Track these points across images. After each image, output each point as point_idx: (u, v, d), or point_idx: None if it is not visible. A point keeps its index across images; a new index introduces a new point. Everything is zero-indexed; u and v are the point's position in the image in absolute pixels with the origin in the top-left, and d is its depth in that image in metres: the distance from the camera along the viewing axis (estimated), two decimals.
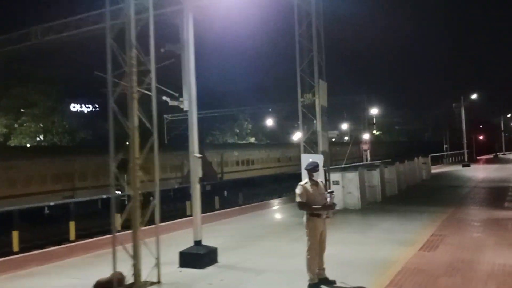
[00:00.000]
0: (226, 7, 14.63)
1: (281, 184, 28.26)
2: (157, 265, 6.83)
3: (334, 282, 6.55)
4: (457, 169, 35.27)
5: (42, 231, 17.43)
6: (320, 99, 12.42)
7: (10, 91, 41.16)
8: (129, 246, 6.62)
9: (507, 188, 20.46)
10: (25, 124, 42.06)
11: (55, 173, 24.53)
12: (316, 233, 6.45)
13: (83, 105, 51.04)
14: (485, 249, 8.71)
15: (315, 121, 12.66)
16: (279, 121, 63.54)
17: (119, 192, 26.82)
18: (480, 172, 31.57)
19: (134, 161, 6.62)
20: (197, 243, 7.80)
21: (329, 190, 6.67)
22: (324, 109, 12.78)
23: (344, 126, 77.69)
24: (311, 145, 13.22)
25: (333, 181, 14.18)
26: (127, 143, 6.79)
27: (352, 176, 14.43)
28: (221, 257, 8.07)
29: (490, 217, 12.55)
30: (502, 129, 72.86)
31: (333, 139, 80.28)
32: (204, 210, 18.50)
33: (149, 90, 7.19)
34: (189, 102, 8.10)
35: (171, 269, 7.54)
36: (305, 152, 12.72)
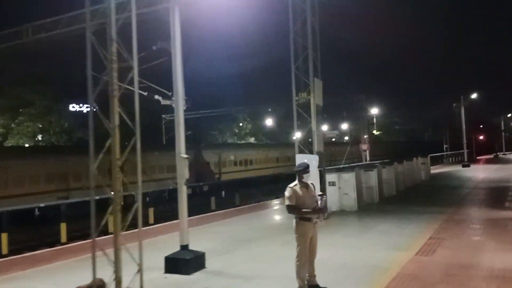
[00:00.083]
0: (218, 5, 14.35)
1: (279, 184, 27.96)
2: (140, 271, 6.49)
3: None
4: (456, 169, 34.96)
5: (36, 233, 17.15)
6: (315, 98, 12.10)
7: (7, 90, 40.91)
8: (111, 251, 6.30)
9: (507, 188, 20.15)
10: (23, 124, 41.80)
11: (49, 173, 24.21)
12: (306, 238, 6.12)
13: (82, 105, 50.76)
14: (484, 253, 8.40)
15: (309, 120, 12.33)
16: (278, 121, 63.26)
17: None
18: (480, 172, 31.24)
19: (114, 162, 6.27)
20: (184, 247, 7.49)
21: (319, 193, 6.34)
22: (319, 108, 12.45)
23: (344, 126, 77.56)
24: (306, 145, 12.90)
25: (329, 182, 13.88)
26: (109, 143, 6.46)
27: (349, 177, 14.11)
28: (209, 262, 7.76)
29: (490, 219, 12.23)
30: (502, 129, 72.50)
31: (333, 139, 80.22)
32: (200, 211, 18.42)
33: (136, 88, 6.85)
34: (175, 100, 7.77)
35: (156, 275, 7.23)
36: (300, 152, 12.39)
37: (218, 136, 61.58)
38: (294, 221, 6.19)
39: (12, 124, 41.77)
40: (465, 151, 42.13)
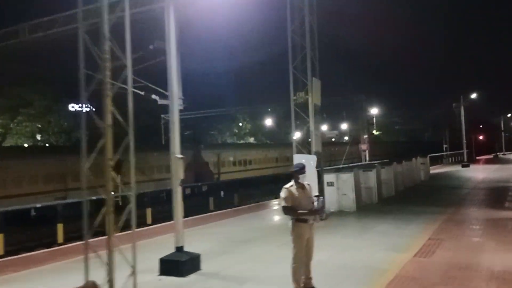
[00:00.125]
0: (216, 4, 14.25)
1: (278, 184, 27.69)
2: (133, 273, 6.38)
3: None
4: (456, 169, 34.85)
5: (33, 233, 17.05)
6: (314, 98, 11.98)
7: (6, 90, 40.80)
8: (105, 253, 6.19)
9: (507, 188, 20.05)
10: (22, 124, 41.68)
11: (47, 173, 24.09)
12: (302, 240, 6.01)
13: (82, 105, 50.34)
14: (484, 254, 8.28)
15: (308, 120, 12.21)
16: (278, 120, 63.17)
17: (112, 193, 26.53)
18: (479, 172, 31.12)
19: (107, 163, 6.16)
20: (179, 249, 7.37)
21: (316, 194, 6.22)
22: (317, 108, 12.33)
23: (344, 126, 77.49)
24: (304, 145, 12.78)
25: (327, 183, 13.76)
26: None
27: (347, 177, 13.99)
28: (205, 264, 7.64)
29: (489, 219, 12.12)
30: (502, 129, 72.38)
31: (333, 139, 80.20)
32: (198, 212, 18.31)
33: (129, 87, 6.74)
34: (170, 99, 7.66)
35: (150, 277, 7.12)
36: (298, 152, 12.28)
37: (217, 136, 61.47)
38: (290, 222, 6.08)
39: (11, 124, 41.65)
40: (465, 151, 42.01)
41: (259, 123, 64.88)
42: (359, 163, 35.31)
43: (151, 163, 28.34)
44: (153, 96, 10.16)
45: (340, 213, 13.44)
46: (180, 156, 7.53)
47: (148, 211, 19.09)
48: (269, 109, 60.06)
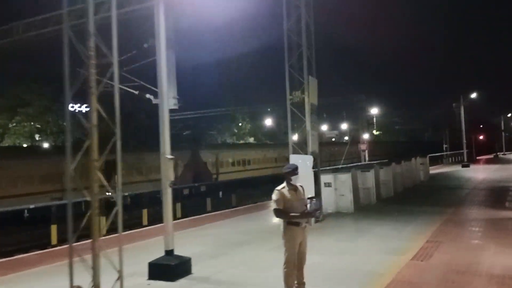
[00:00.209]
0: (211, 1, 14.00)
1: (277, 184, 27.46)
2: (120, 278, 6.16)
3: None
4: (456, 169, 34.62)
5: (29, 235, 16.86)
6: (310, 97, 11.76)
7: (4, 90, 40.61)
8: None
9: (507, 188, 19.84)
10: (20, 124, 41.46)
11: (43, 173, 23.88)
12: (294, 244, 5.79)
13: (81, 105, 50.28)
14: (484, 257, 8.06)
15: (305, 120, 11.99)
16: (277, 120, 62.93)
17: (109, 194, 26.32)
18: (479, 172, 30.91)
19: (92, 163, 5.94)
20: (169, 252, 7.15)
21: (309, 196, 5.99)
22: (314, 107, 12.12)
23: (344, 126, 77.26)
24: (301, 145, 12.56)
25: (325, 183, 13.56)
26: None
27: (345, 178, 13.77)
28: (196, 267, 7.42)
29: (489, 221, 11.91)
30: (502, 129, 72.13)
31: (333, 139, 79.97)
32: (196, 212, 18.11)
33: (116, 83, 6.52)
34: (159, 98, 7.44)
35: (139, 282, 6.91)
36: (294, 153, 12.06)
37: (217, 136, 61.24)
38: (282, 225, 5.86)
39: (10, 124, 41.44)
40: (465, 151, 41.79)
41: (258, 123, 64.65)
42: (359, 163, 35.11)
43: (149, 163, 28.13)
44: (147, 96, 9.96)
45: (338, 215, 13.22)
46: (170, 156, 7.32)
47: (145, 212, 18.90)
48: (269, 109, 59.85)
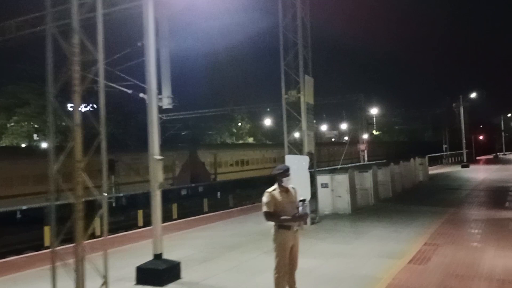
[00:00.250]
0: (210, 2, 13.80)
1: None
2: (105, 283, 5.93)
3: None
4: (456, 170, 34.38)
5: (24, 236, 16.65)
6: (306, 96, 11.52)
7: (2, 89, 40.36)
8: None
9: (507, 188, 19.62)
10: (18, 124, 41.20)
11: (38, 174, 23.65)
12: (285, 248, 5.55)
13: (82, 105, 49.80)
14: (483, 261, 7.82)
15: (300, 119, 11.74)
16: (277, 120, 62.66)
17: (106, 194, 26.08)
18: (479, 173, 30.68)
19: (76, 165, 5.71)
20: (157, 256, 6.92)
21: (301, 199, 5.75)
22: (310, 107, 11.88)
23: (344, 126, 77.06)
24: (297, 145, 12.33)
25: (321, 184, 13.34)
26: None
27: (342, 179, 13.54)
28: (186, 272, 7.19)
29: (489, 223, 11.68)
30: (502, 129, 71.89)
31: (333, 139, 79.69)
32: (193, 213, 17.87)
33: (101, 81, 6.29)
34: (148, 96, 7.21)
35: (126, 286, 6.68)
36: (290, 153, 11.83)
37: (216, 136, 60.97)
38: (272, 229, 5.62)
39: (8, 124, 41.20)
40: (464, 151, 41.56)
41: (258, 123, 64.40)
42: (357, 164, 34.90)
43: (146, 163, 27.84)
44: (141, 95, 9.73)
45: (334, 216, 12.99)
46: (159, 157, 7.08)
47: (140, 213, 18.67)
48: (268, 109, 59.56)
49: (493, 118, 77.95)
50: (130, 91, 14.35)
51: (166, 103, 12.89)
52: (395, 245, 9.20)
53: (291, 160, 11.17)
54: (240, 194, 28.16)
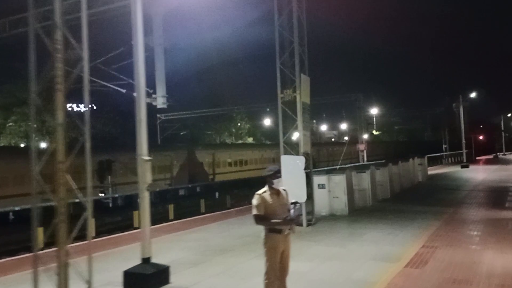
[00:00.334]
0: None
1: None
2: None
3: None
4: (455, 170, 34.15)
5: (17, 237, 16.45)
6: (302, 96, 11.31)
7: (0, 88, 40.17)
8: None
9: (507, 189, 19.41)
10: (17, 123, 40.98)
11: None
12: (275, 253, 5.34)
13: (80, 105, 49.79)
14: (482, 264, 7.60)
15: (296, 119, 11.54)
16: (276, 120, 62.36)
17: (103, 195, 25.81)
18: (479, 173, 30.47)
19: (58, 166, 5.50)
20: (145, 260, 6.71)
21: (292, 201, 5.53)
22: (306, 106, 11.67)
23: (343, 126, 76.87)
24: (293, 145, 12.13)
25: (318, 185, 13.14)
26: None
27: (339, 179, 13.33)
28: (175, 276, 6.97)
29: (488, 224, 11.47)
30: (502, 129, 71.64)
31: (333, 139, 79.45)
32: (190, 214, 17.66)
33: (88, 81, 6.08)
34: (137, 95, 7.00)
35: None
36: (285, 153, 11.63)
37: (215, 136, 60.76)
38: (262, 233, 5.41)
39: (7, 124, 40.98)
40: (464, 151, 41.34)
41: (257, 123, 64.18)
42: (356, 164, 34.67)
43: None
44: (134, 94, 9.54)
45: (331, 217, 12.78)
46: (147, 158, 6.87)
47: (136, 214, 18.46)
48: (268, 109, 59.36)
49: (493, 118, 77.72)
50: (124, 90, 14.06)
51: (160, 103, 12.67)
52: (391, 247, 8.99)
53: (286, 160, 10.98)
54: (238, 194, 27.94)
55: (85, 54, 5.87)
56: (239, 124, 62.66)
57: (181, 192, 30.98)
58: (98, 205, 23.45)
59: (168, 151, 32.03)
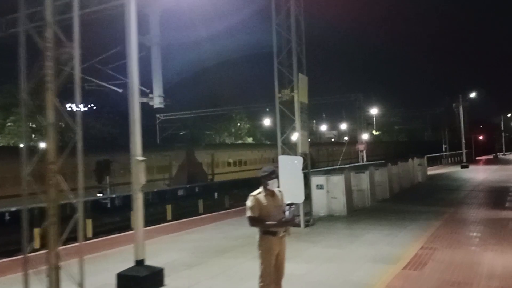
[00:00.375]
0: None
1: None
2: None
3: None
4: (455, 170, 34.04)
5: (13, 237, 16.35)
6: (300, 95, 11.19)
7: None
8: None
9: (507, 189, 19.29)
10: (16, 123, 40.87)
11: (36, 174, 23.30)
12: (270, 255, 5.23)
13: (79, 105, 49.50)
14: (482, 266, 7.49)
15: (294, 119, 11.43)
16: (276, 120, 62.24)
17: (101, 195, 25.67)
18: (478, 173, 30.35)
19: (49, 167, 5.39)
20: (139, 263, 6.59)
21: (287, 202, 5.42)
22: (304, 106, 11.55)
23: (343, 125, 76.78)
24: (291, 145, 12.02)
25: (316, 185, 13.03)
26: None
27: (338, 180, 13.21)
28: (169, 278, 6.86)
29: (488, 225, 11.35)
30: (502, 129, 71.52)
31: (333, 139, 79.34)
32: (188, 214, 17.55)
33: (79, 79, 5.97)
34: (130, 93, 6.89)
35: None
36: (283, 153, 11.52)
37: (215, 136, 60.66)
38: (257, 235, 5.29)
39: (7, 124, 40.88)
40: (464, 151, 41.22)
41: (257, 123, 64.09)
42: (356, 164, 34.57)
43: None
44: None
45: (329, 218, 12.67)
46: (141, 158, 6.76)
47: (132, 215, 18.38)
48: (267, 109, 59.26)
49: (493, 118, 77.61)
50: (120, 90, 13.97)
51: (157, 102, 12.53)
52: (390, 249, 8.88)
53: (284, 161, 10.88)
54: (238, 194, 27.82)
55: (76, 52, 5.76)
56: (238, 124, 62.56)
57: (180, 193, 30.84)
58: (97, 205, 23.34)
59: (167, 151, 31.91)
